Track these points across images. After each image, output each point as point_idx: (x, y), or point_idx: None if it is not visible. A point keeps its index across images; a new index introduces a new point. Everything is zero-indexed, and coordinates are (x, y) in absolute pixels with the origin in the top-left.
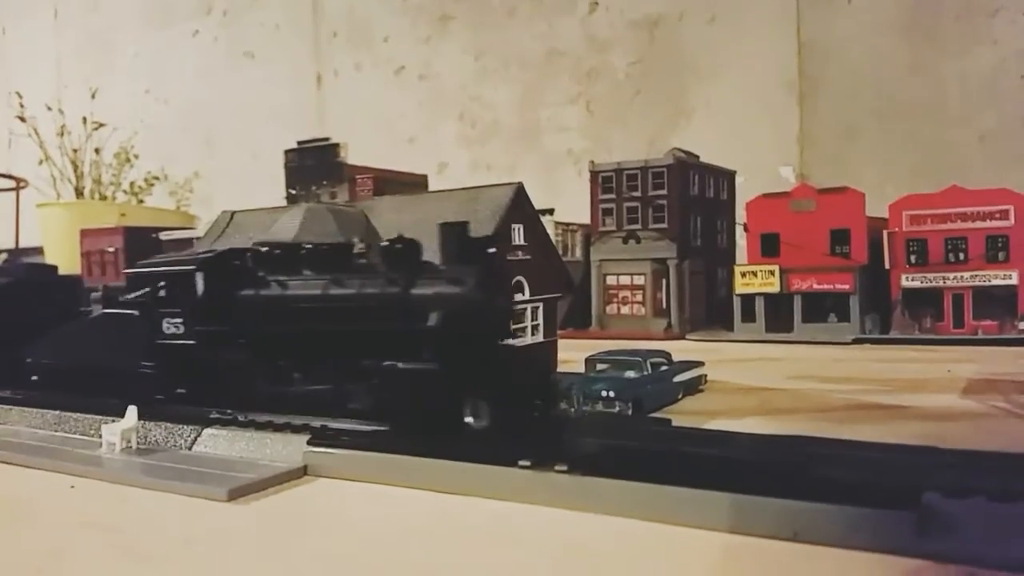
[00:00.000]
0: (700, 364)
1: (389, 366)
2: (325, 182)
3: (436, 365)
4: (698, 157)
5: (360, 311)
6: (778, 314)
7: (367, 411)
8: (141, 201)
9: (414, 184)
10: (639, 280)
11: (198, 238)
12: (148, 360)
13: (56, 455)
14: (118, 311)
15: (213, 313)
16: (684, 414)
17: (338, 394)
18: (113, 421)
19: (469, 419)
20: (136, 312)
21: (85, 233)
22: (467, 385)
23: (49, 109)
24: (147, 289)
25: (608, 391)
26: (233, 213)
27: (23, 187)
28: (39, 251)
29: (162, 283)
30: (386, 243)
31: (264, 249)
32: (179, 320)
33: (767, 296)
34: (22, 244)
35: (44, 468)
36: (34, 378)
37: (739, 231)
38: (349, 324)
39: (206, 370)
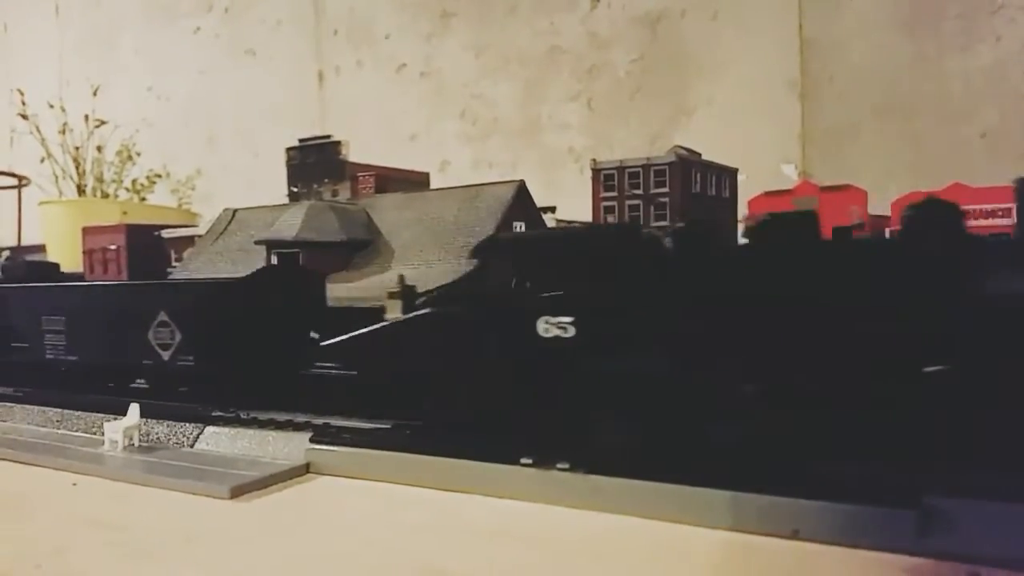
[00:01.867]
0: None
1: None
2: (327, 180)
3: None
4: (700, 155)
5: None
6: None
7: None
8: (143, 199)
9: (416, 182)
10: None
11: (200, 236)
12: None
13: (58, 453)
14: (448, 309)
15: (616, 311)
16: None
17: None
18: (115, 419)
19: None
20: (480, 309)
21: (87, 231)
22: None
23: (51, 107)
24: (505, 276)
25: None
26: (235, 211)
27: (25, 185)
28: (41, 249)
29: (537, 269)
30: (911, 209)
31: (679, 225)
32: (568, 319)
33: None
34: (24, 242)
35: (46, 466)
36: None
37: (741, 228)
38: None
39: (605, 387)
